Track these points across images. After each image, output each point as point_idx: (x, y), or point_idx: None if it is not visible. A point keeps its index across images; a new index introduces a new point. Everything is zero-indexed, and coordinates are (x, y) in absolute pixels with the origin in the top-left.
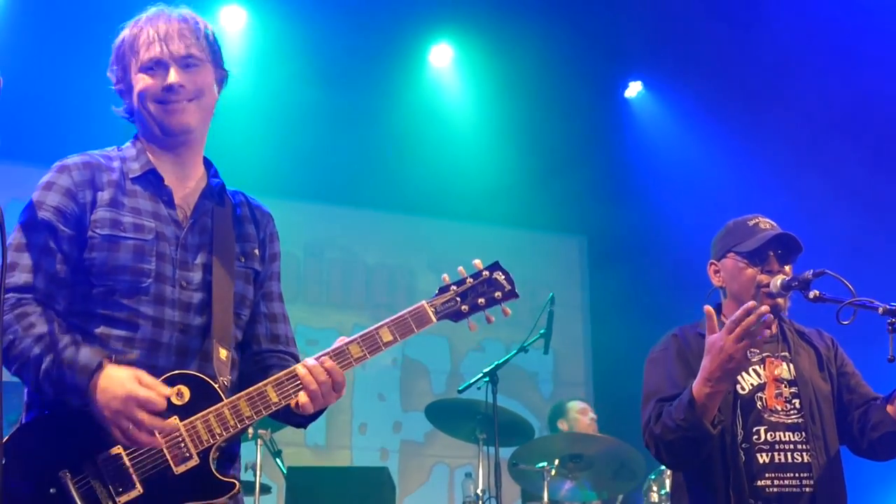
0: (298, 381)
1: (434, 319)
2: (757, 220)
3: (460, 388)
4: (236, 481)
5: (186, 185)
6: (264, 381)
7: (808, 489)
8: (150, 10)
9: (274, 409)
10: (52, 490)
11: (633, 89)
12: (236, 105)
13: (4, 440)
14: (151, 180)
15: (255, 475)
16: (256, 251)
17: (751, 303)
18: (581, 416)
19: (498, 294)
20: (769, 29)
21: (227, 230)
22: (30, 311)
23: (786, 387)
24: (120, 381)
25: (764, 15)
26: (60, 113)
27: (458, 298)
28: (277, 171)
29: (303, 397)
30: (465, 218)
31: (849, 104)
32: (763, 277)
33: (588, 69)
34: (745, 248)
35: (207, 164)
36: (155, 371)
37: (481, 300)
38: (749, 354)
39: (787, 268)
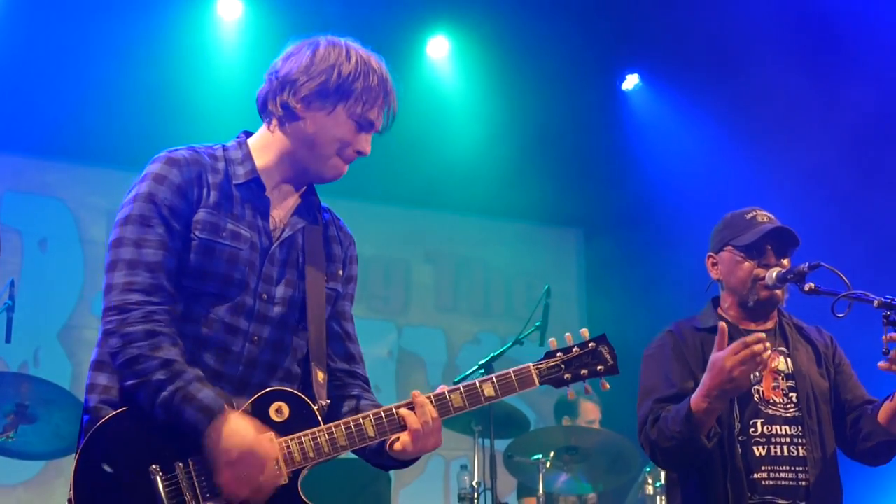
0: (397, 421)
1: (537, 383)
2: (754, 214)
3: (456, 380)
4: None
5: (285, 198)
6: (363, 415)
7: (803, 483)
8: (378, 63)
9: (369, 442)
10: (139, 481)
11: (630, 82)
12: (234, 97)
13: (100, 423)
14: (253, 188)
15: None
16: (340, 272)
17: (763, 335)
18: (588, 426)
19: (601, 368)
20: (767, 22)
21: (319, 249)
22: (159, 330)
23: (783, 380)
24: (244, 430)
25: (762, 9)
26: (53, 104)
27: (563, 366)
28: None
29: (405, 437)
30: (461, 210)
31: (845, 100)
32: (760, 271)
33: (585, 62)
34: (742, 242)
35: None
36: (221, 377)
37: (584, 371)
38: (752, 378)
39: (784, 261)
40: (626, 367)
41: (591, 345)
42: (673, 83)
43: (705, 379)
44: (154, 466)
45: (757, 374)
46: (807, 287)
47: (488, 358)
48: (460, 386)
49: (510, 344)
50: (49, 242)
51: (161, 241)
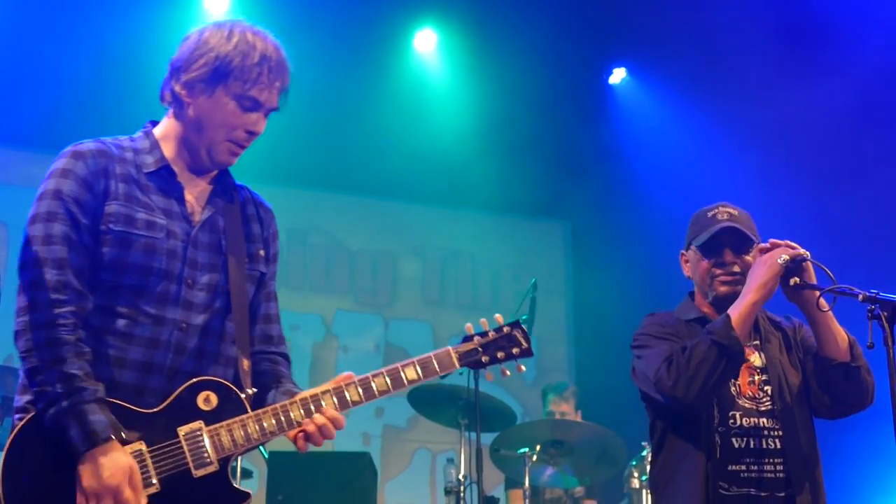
0: (320, 401)
1: (457, 365)
2: (716, 211)
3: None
4: (250, 492)
5: (198, 182)
6: (291, 400)
7: (781, 475)
8: (263, 39)
9: (297, 427)
10: (65, 478)
11: (618, 76)
12: None
13: (16, 429)
14: (164, 176)
15: (236, 460)
16: (262, 252)
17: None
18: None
19: (516, 350)
20: (752, 17)
21: (238, 230)
22: (62, 339)
23: (757, 374)
24: (114, 470)
25: (748, 4)
26: (39, 96)
27: (480, 349)
28: (260, 156)
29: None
30: (448, 203)
31: (832, 93)
32: (716, 270)
33: (572, 55)
34: (699, 241)
35: None
36: (151, 368)
37: (500, 353)
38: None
39: (747, 257)
40: (614, 360)
41: (505, 329)
42: (660, 77)
43: (754, 276)
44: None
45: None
46: (792, 281)
47: None
48: (383, 369)
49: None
50: None
51: (68, 237)
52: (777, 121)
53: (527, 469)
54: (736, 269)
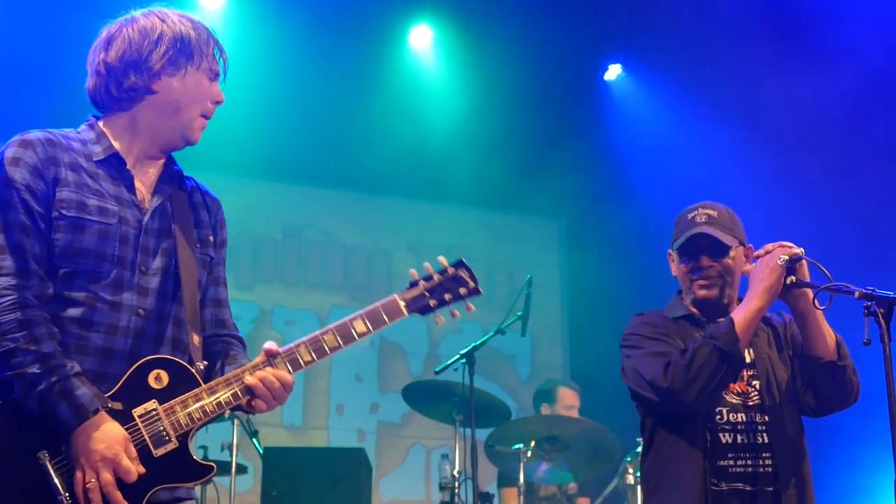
0: (273, 365)
1: (405, 312)
2: (696, 213)
3: (437, 370)
4: (214, 465)
5: (147, 170)
6: (242, 368)
7: (769, 469)
8: (189, 17)
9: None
10: (28, 471)
11: (613, 72)
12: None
13: None
14: (114, 164)
15: (231, 455)
16: (210, 237)
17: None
18: (567, 411)
19: (463, 290)
20: (746, 13)
21: (187, 216)
22: (34, 319)
23: (746, 370)
24: (110, 440)
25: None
26: (25, 88)
27: (427, 293)
28: (256, 152)
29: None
30: (443, 200)
31: (826, 85)
32: (693, 275)
33: (567, 51)
34: (676, 245)
35: None
36: (112, 354)
37: (447, 295)
38: None
39: (726, 260)
40: (608, 357)
41: (450, 270)
42: (655, 73)
43: (756, 280)
44: (42, 453)
45: None
46: (788, 280)
47: (470, 347)
48: (331, 326)
49: (492, 333)
50: None
51: (23, 225)
52: (771, 116)
53: (521, 465)
54: (712, 272)
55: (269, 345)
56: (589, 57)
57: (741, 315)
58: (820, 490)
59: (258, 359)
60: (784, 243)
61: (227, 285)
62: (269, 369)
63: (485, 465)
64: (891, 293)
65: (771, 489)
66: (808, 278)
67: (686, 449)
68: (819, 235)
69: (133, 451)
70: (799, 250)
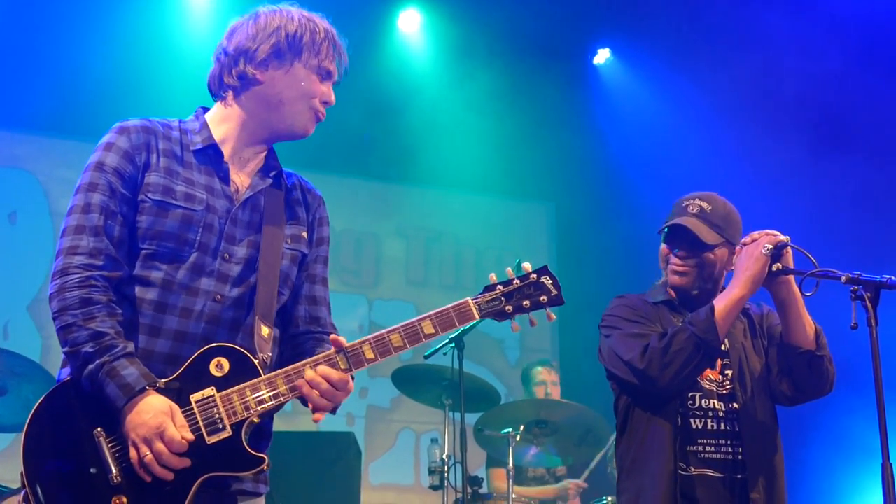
0: (335, 363)
1: (477, 316)
2: (690, 203)
3: (426, 354)
4: (265, 457)
5: (246, 164)
6: (303, 361)
7: (739, 457)
8: (320, 18)
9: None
10: (85, 447)
11: (602, 56)
12: (203, 71)
13: (47, 394)
14: (211, 155)
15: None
16: (304, 234)
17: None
18: (537, 389)
19: (543, 298)
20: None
21: (279, 211)
22: (95, 298)
23: (719, 358)
24: (155, 411)
25: None
26: (22, 77)
27: (503, 298)
28: None
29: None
30: (432, 184)
31: (824, 74)
32: (671, 258)
33: (556, 36)
34: (663, 226)
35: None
36: (185, 337)
37: (526, 302)
38: None
39: (707, 254)
40: (597, 341)
41: (532, 276)
42: (644, 58)
43: (740, 269)
44: (98, 430)
45: None
46: (774, 267)
47: (459, 332)
48: (399, 326)
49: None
50: (19, 215)
51: (106, 206)
52: (766, 100)
53: (510, 449)
54: (689, 262)
55: (336, 338)
56: (578, 41)
57: (722, 303)
58: (802, 479)
59: (328, 352)
60: (769, 231)
61: (326, 284)
62: (321, 368)
63: (474, 449)
64: (877, 277)
65: (739, 476)
66: (792, 265)
67: (658, 431)
68: (809, 220)
69: (181, 419)
70: (784, 238)
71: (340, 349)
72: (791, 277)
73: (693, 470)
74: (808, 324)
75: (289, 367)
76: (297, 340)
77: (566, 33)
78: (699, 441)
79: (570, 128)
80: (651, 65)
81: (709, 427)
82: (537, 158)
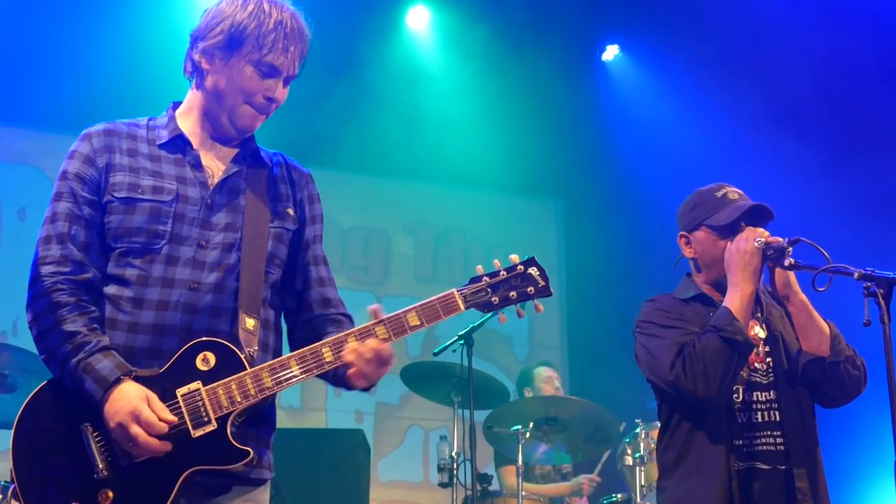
0: (320, 357)
1: (462, 308)
2: (725, 191)
3: (435, 351)
4: (251, 450)
5: (220, 149)
6: (288, 355)
7: (781, 447)
8: (279, 8)
9: (296, 382)
10: (73, 441)
11: (611, 52)
12: None
13: (36, 391)
14: (178, 145)
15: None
16: (290, 211)
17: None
18: (546, 384)
19: (531, 289)
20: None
21: (262, 190)
22: (62, 301)
23: (762, 346)
24: (129, 397)
25: None
26: (30, 73)
27: (490, 290)
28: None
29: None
30: (440, 180)
31: (830, 70)
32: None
33: (565, 32)
34: (717, 222)
35: None
36: (163, 329)
37: (513, 293)
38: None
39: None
40: (606, 337)
41: (519, 268)
42: (653, 54)
43: (738, 266)
44: (85, 425)
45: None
46: (787, 262)
47: (468, 328)
48: (385, 317)
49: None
50: (28, 211)
51: (70, 213)
52: (773, 96)
53: (520, 446)
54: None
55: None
56: (587, 38)
57: (736, 303)
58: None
59: (308, 347)
60: (753, 229)
61: (327, 262)
62: (294, 366)
63: (483, 446)
64: (890, 273)
65: (783, 467)
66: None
67: (706, 430)
68: (818, 217)
69: (158, 404)
70: (776, 239)
71: (325, 343)
72: (796, 286)
73: (740, 464)
74: (821, 329)
75: (273, 361)
76: (313, 324)
77: (574, 30)
78: (745, 435)
79: (578, 124)
80: (659, 61)
81: (753, 419)
82: (546, 155)
